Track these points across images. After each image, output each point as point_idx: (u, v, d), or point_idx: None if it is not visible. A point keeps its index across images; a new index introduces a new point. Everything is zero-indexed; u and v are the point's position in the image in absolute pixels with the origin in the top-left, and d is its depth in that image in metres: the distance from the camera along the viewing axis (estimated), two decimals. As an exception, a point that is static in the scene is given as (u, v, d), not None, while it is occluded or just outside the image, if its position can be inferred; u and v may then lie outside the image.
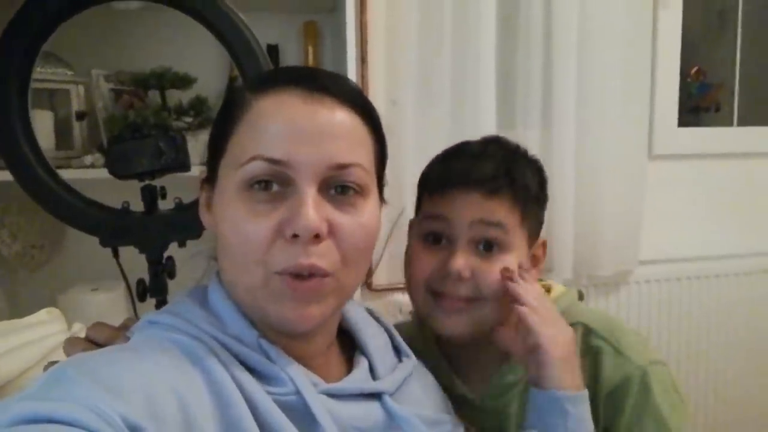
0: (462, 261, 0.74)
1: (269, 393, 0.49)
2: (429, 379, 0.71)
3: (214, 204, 0.56)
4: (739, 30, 1.96)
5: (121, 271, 0.95)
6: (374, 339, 0.64)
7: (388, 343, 0.67)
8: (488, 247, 0.76)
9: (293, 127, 0.50)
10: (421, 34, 1.46)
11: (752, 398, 1.87)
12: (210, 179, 0.57)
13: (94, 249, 0.96)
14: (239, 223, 0.50)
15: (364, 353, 0.62)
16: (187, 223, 0.92)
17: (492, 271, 0.75)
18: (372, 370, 0.61)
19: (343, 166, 0.51)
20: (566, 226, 1.59)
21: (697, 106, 2.04)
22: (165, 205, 0.95)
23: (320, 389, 0.53)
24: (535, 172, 0.82)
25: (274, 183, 0.50)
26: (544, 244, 0.84)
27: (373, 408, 0.57)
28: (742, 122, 1.97)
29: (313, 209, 0.49)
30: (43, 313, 0.74)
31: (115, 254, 0.93)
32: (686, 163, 1.85)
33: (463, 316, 0.76)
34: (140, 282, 0.93)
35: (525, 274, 0.76)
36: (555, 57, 1.52)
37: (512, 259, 0.76)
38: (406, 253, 0.83)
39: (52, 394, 0.39)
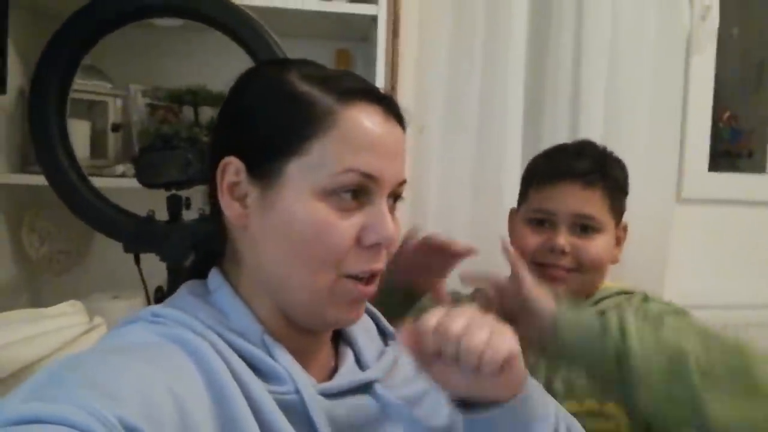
0: (563, 238, 0.93)
1: (270, 392, 0.50)
2: None
3: (269, 201, 0.53)
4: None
5: (141, 277, 0.97)
6: (358, 327, 0.64)
7: (373, 328, 0.68)
8: (584, 229, 0.95)
9: (383, 145, 0.55)
10: (450, 63, 1.48)
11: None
12: (257, 173, 0.54)
13: (118, 258, 0.99)
14: (324, 226, 0.52)
15: (349, 343, 0.63)
16: (209, 233, 0.94)
17: (589, 246, 0.94)
18: (358, 359, 0.62)
19: (403, 182, 0.58)
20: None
21: (729, 151, 2.01)
22: (189, 215, 0.97)
23: (316, 389, 0.53)
24: (622, 168, 1.00)
25: (358, 193, 0.54)
26: (625, 228, 1.03)
27: (363, 401, 0.57)
28: (775, 170, 1.93)
29: (391, 221, 0.54)
30: (66, 305, 0.76)
31: (137, 260, 0.96)
32: (716, 208, 1.81)
33: (564, 284, 0.93)
34: (159, 289, 0.95)
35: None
36: (583, 94, 1.52)
37: (603, 238, 0.95)
38: (511, 235, 1.03)
39: (46, 395, 0.38)
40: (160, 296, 0.94)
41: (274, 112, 0.54)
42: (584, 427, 0.83)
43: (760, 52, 2.03)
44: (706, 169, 1.77)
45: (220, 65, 1.42)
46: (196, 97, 1.26)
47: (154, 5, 0.97)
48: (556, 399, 0.85)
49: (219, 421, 0.45)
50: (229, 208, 0.55)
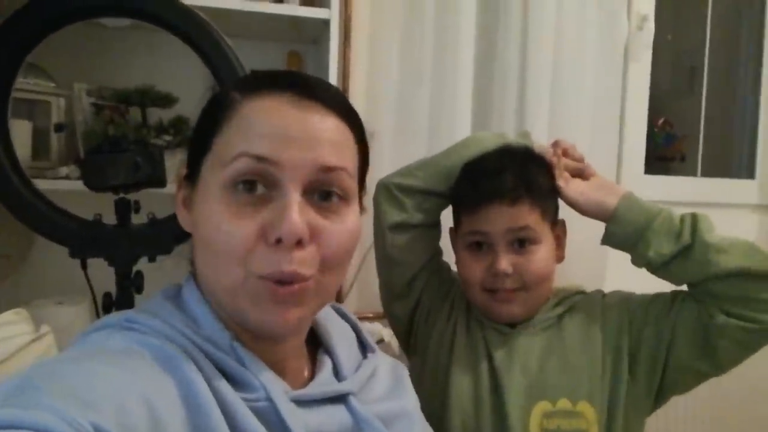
0: (504, 262, 0.94)
1: (242, 399, 0.49)
2: (400, 371, 0.70)
3: (194, 202, 0.55)
4: (705, 85, 2.05)
5: (88, 283, 0.95)
6: (339, 337, 0.65)
7: (353, 339, 0.68)
8: (522, 244, 0.95)
9: (282, 128, 0.51)
10: (401, 71, 1.50)
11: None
12: (191, 177, 0.56)
13: (60, 262, 0.96)
14: (221, 223, 0.50)
15: (328, 352, 0.63)
16: (159, 238, 0.93)
17: (530, 263, 0.95)
18: (336, 369, 0.61)
19: (330, 169, 0.52)
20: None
21: (664, 156, 2.12)
22: (138, 219, 0.96)
23: (289, 396, 0.53)
24: (545, 170, 0.99)
25: (258, 184, 0.51)
26: (562, 223, 1.04)
27: (337, 411, 0.57)
28: (706, 173, 2.05)
29: (297, 213, 0.49)
30: (10, 314, 0.74)
31: (83, 266, 0.93)
32: (651, 209, 1.90)
33: (514, 304, 0.96)
34: (107, 295, 0.93)
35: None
36: (529, 104, 1.57)
37: (543, 248, 0.96)
38: (457, 261, 1.03)
39: (19, 401, 0.38)
40: (108, 302, 0.92)
41: (200, 116, 0.57)
42: (558, 427, 0.91)
43: (692, 57, 2.11)
44: (643, 172, 1.87)
45: (168, 66, 1.42)
46: (144, 97, 1.23)
47: (100, 5, 0.94)
48: (529, 399, 0.93)
49: (192, 428, 0.45)
50: (180, 215, 0.58)
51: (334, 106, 0.54)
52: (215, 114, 0.55)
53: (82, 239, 0.90)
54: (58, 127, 1.24)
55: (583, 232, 1.63)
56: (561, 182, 0.99)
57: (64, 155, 1.28)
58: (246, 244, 0.49)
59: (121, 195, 0.93)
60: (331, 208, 0.53)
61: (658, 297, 0.98)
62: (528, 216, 0.94)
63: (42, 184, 0.98)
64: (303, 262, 0.50)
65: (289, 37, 1.48)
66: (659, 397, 0.97)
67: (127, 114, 1.28)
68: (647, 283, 1.02)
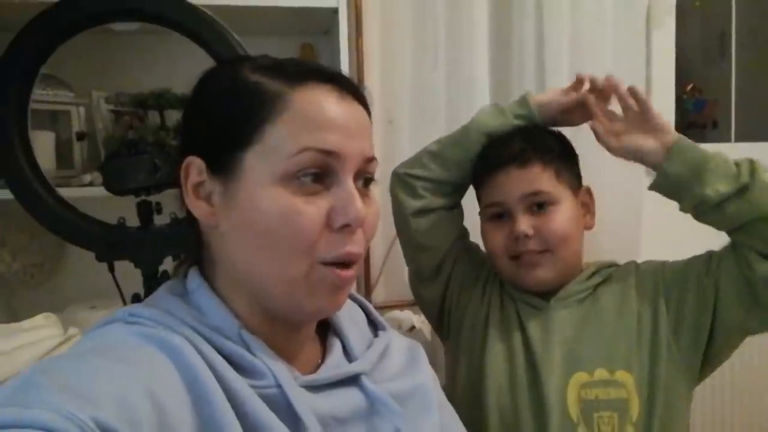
0: (523, 224, 0.93)
1: (251, 386, 0.49)
2: (415, 350, 0.70)
3: (231, 194, 0.53)
4: (734, 50, 1.98)
5: (117, 285, 0.96)
6: (347, 318, 0.65)
7: (363, 319, 0.68)
8: (541, 207, 0.94)
9: (339, 122, 0.53)
10: (415, 56, 1.48)
11: None
12: (219, 169, 0.54)
13: (92, 268, 0.98)
14: (289, 213, 0.51)
15: (338, 334, 0.63)
16: (182, 237, 0.93)
17: (549, 222, 0.93)
18: (346, 350, 0.61)
19: (371, 159, 0.56)
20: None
21: (695, 122, 2.05)
22: (161, 220, 0.97)
23: (299, 382, 0.53)
24: (555, 137, 0.99)
25: (320, 175, 0.53)
26: (588, 191, 1.03)
27: (350, 394, 0.57)
28: (740, 138, 1.98)
29: (359, 200, 0.53)
30: (40, 318, 0.75)
31: (111, 269, 0.95)
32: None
33: (542, 268, 0.95)
34: (135, 296, 0.94)
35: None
36: (548, 77, 1.53)
37: (562, 209, 0.95)
38: (482, 237, 1.02)
39: (21, 400, 0.38)
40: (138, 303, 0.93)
41: (227, 104, 0.55)
42: (596, 397, 0.90)
43: (720, 22, 2.06)
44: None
45: (183, 67, 1.41)
46: (160, 100, 1.24)
47: (112, 10, 0.95)
48: (565, 371, 0.92)
49: (199, 418, 0.45)
50: (197, 208, 0.56)
51: (360, 97, 0.57)
52: (256, 104, 0.53)
53: (107, 243, 0.92)
54: (80, 136, 1.26)
55: (616, 205, 1.61)
56: (594, 124, 0.95)
57: (87, 163, 1.31)
58: (316, 230, 0.51)
59: (143, 197, 0.94)
60: (368, 194, 0.57)
61: (693, 260, 0.96)
62: (541, 178, 0.94)
63: (67, 192, 1.00)
64: (357, 244, 0.54)
65: (300, 30, 1.47)
66: (706, 364, 0.95)
67: (145, 118, 1.30)
68: (682, 256, 0.99)
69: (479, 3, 1.49)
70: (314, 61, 0.59)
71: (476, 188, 1.02)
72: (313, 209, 0.51)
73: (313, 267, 0.52)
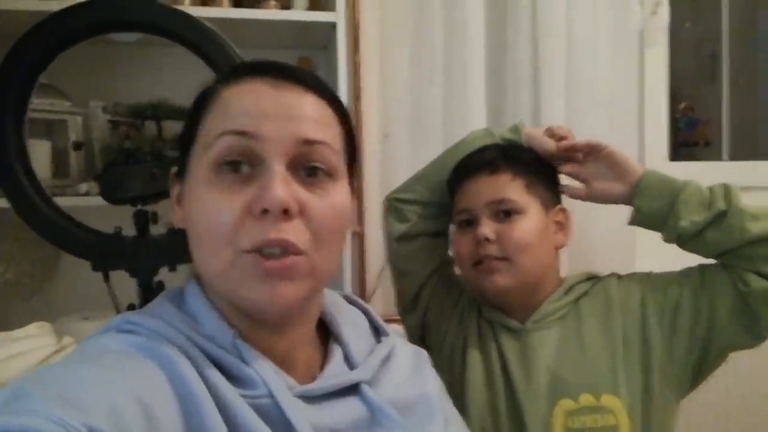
0: (486, 228, 0.92)
1: (243, 396, 0.49)
2: (420, 357, 0.69)
3: (184, 195, 0.56)
4: (725, 71, 2.01)
5: (111, 294, 0.96)
6: (348, 324, 0.63)
7: (365, 325, 0.67)
8: (507, 215, 0.93)
9: (261, 106, 0.52)
10: (412, 71, 1.49)
11: None
12: (181, 174, 0.57)
13: (86, 278, 0.97)
14: (207, 205, 0.51)
15: (339, 341, 0.61)
16: (178, 247, 0.93)
17: (512, 230, 0.92)
18: (347, 358, 0.60)
19: (311, 142, 0.52)
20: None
21: (687, 141, 2.08)
22: (157, 230, 0.96)
23: (295, 392, 0.52)
24: (531, 152, 0.98)
25: (243, 164, 0.51)
26: (562, 210, 1.00)
27: (350, 404, 0.55)
28: (732, 157, 2.00)
29: (281, 184, 0.49)
30: (33, 327, 0.75)
31: (106, 278, 0.94)
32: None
33: (499, 274, 0.92)
34: (130, 307, 0.93)
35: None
36: (543, 97, 1.55)
37: (526, 220, 0.93)
38: (452, 244, 1.02)
39: (12, 409, 0.38)
40: (132, 313, 0.92)
41: (189, 112, 0.58)
42: (584, 425, 0.87)
43: (711, 44, 2.11)
44: (667, 159, 1.83)
45: (181, 78, 1.42)
46: (157, 111, 1.25)
47: (112, 21, 0.96)
48: (549, 398, 0.89)
49: (189, 428, 0.45)
50: (172, 212, 0.58)
51: (312, 86, 0.55)
52: (197, 108, 0.56)
53: (103, 252, 0.91)
54: (77, 145, 1.26)
55: (609, 221, 1.62)
56: (563, 187, 0.99)
57: (84, 172, 1.30)
58: (233, 220, 0.49)
59: (139, 207, 0.94)
60: (318, 184, 0.53)
61: (685, 273, 0.95)
62: (509, 186, 0.93)
63: (63, 202, 1.00)
64: (291, 232, 0.50)
65: (299, 44, 1.48)
66: (697, 377, 0.93)
67: (142, 128, 1.30)
68: (677, 268, 0.98)
69: (476, 20, 1.51)
70: (264, 59, 0.57)
71: (451, 198, 1.02)
72: (230, 199, 0.50)
73: (237, 256, 0.50)
